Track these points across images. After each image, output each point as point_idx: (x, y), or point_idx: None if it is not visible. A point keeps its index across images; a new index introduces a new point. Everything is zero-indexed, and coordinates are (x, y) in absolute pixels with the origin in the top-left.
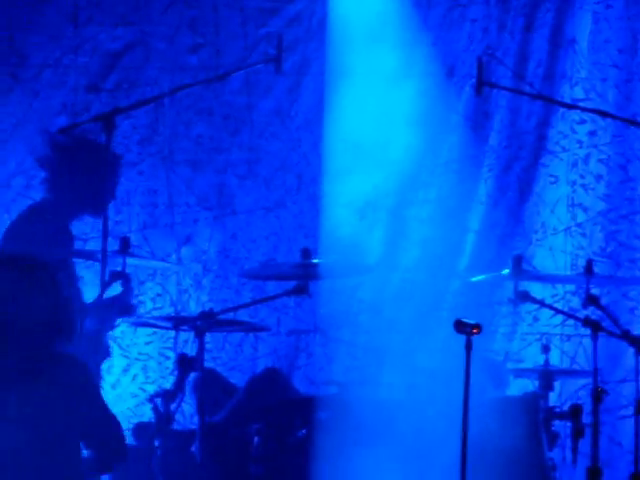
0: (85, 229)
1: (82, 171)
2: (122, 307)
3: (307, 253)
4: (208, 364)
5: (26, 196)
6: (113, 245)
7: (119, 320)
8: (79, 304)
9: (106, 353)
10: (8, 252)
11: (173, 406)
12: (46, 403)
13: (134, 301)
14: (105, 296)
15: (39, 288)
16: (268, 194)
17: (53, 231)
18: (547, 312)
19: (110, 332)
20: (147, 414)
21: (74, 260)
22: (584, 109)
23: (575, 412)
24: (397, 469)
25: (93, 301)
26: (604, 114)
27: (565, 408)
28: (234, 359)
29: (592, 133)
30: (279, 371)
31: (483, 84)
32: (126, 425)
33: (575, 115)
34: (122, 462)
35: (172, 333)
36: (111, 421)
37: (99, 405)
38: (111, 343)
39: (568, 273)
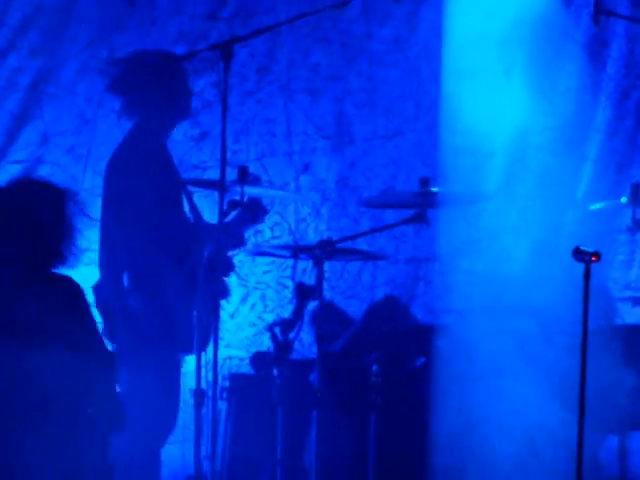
0: (204, 158)
1: (151, 79)
2: (238, 234)
3: (426, 181)
4: (326, 293)
5: None
6: (231, 174)
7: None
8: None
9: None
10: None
11: (291, 335)
12: (40, 317)
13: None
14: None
15: (48, 211)
16: (386, 123)
17: (154, 153)
18: None
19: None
20: (265, 343)
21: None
22: None
23: None
24: (513, 397)
25: (212, 227)
26: None
27: None
28: (352, 288)
29: None
30: (398, 299)
31: (600, 13)
32: (245, 354)
33: None
34: (120, 417)
35: (290, 262)
36: (102, 348)
37: (90, 329)
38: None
39: None
